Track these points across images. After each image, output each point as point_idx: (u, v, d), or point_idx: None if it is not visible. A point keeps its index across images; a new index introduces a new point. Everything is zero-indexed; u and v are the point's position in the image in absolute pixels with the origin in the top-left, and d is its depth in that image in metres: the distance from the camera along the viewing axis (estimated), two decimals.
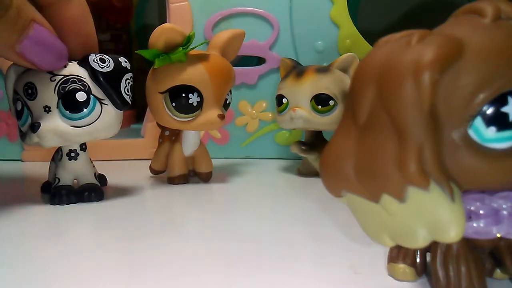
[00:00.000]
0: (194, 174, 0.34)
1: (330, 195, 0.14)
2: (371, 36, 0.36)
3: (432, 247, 0.15)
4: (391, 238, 0.13)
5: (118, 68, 0.27)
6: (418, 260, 0.17)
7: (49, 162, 0.30)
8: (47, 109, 0.25)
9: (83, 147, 0.28)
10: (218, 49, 0.31)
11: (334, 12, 0.40)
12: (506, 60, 0.12)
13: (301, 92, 0.33)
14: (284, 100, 0.34)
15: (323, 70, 0.33)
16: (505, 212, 0.12)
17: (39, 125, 0.25)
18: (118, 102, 0.26)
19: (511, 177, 0.12)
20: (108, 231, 0.23)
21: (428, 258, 0.16)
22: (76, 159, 0.28)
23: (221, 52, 0.31)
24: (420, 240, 0.12)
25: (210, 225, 0.24)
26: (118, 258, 0.19)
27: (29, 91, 0.25)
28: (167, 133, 0.34)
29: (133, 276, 0.17)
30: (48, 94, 0.25)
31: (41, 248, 0.21)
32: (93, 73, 0.26)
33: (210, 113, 0.30)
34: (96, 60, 0.26)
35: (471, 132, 0.12)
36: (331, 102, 0.32)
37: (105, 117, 0.26)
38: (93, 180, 0.29)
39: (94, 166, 0.29)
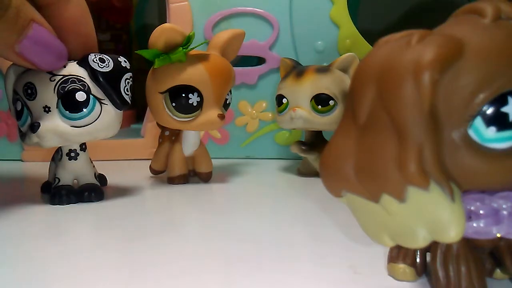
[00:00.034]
0: (194, 174, 0.34)
1: (330, 195, 0.14)
2: (371, 36, 0.36)
3: (432, 247, 0.15)
4: (391, 238, 0.13)
5: (118, 68, 0.27)
6: (418, 260, 0.17)
7: (49, 162, 0.30)
8: (47, 109, 0.25)
9: (83, 147, 0.28)
10: (218, 49, 0.31)
11: (334, 12, 0.40)
12: (506, 60, 0.12)
13: (301, 92, 0.33)
14: (284, 100, 0.34)
15: (323, 70, 0.33)
16: (505, 212, 0.12)
17: (39, 125, 0.25)
18: (118, 102, 0.26)
19: (511, 177, 0.12)
20: (108, 231, 0.23)
21: (428, 258, 0.16)
22: (76, 159, 0.28)
23: (221, 52, 0.31)
24: (420, 240, 0.12)
25: (210, 225, 0.24)
26: (118, 258, 0.19)
27: (29, 91, 0.25)
28: (167, 133, 0.34)
29: (133, 276, 0.17)
30: (48, 94, 0.25)
31: (41, 248, 0.21)
32: (93, 73, 0.26)
33: (210, 113, 0.30)
34: (96, 60, 0.26)
35: (471, 132, 0.12)
36: (331, 102, 0.32)
37: (105, 117, 0.26)
38: (93, 180, 0.29)
39: (94, 166, 0.29)
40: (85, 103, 0.26)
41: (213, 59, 0.30)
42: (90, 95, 0.26)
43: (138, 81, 0.30)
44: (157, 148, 0.34)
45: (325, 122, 0.33)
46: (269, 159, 0.43)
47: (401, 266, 0.16)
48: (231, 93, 0.32)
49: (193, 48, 0.30)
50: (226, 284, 0.17)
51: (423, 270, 0.17)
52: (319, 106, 0.32)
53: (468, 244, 0.15)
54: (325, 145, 0.14)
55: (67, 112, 0.25)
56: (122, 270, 0.18)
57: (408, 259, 0.17)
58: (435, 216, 0.12)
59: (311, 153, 0.35)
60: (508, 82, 0.12)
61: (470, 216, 0.12)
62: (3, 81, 0.28)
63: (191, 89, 0.30)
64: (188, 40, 0.29)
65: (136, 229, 0.23)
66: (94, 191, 0.28)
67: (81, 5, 0.27)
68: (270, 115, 0.42)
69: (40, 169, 0.38)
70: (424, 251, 0.17)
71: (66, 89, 0.25)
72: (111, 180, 0.32)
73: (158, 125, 0.34)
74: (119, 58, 0.27)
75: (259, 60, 0.43)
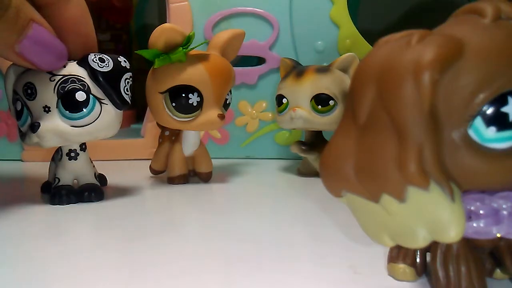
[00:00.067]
0: (194, 174, 0.34)
1: (330, 195, 0.14)
2: (371, 36, 0.36)
3: (432, 247, 0.15)
4: (391, 238, 0.13)
5: (118, 67, 0.27)
6: (418, 260, 0.17)
7: (49, 162, 0.30)
8: (47, 109, 0.25)
9: (83, 147, 0.28)
10: (218, 49, 0.31)
11: (334, 12, 0.40)
12: (506, 60, 0.12)
13: (301, 92, 0.33)
14: (284, 100, 0.34)
15: (323, 70, 0.33)
16: (505, 212, 0.12)
17: (39, 125, 0.25)
18: (118, 101, 0.26)
19: (511, 177, 0.12)
20: (108, 231, 0.23)
21: (428, 258, 0.16)
22: (76, 159, 0.28)
23: (221, 52, 0.31)
24: (420, 240, 0.12)
25: (210, 225, 0.24)
26: (118, 258, 0.19)
27: (29, 91, 0.25)
28: (167, 133, 0.34)
29: (133, 276, 0.17)
30: (48, 94, 0.25)
31: (41, 248, 0.21)
32: (93, 73, 0.26)
33: (210, 113, 0.30)
34: (96, 59, 0.26)
35: (471, 132, 0.12)
36: (331, 102, 0.32)
37: (105, 117, 0.26)
38: (93, 180, 0.29)
39: (94, 166, 0.29)
40: (85, 103, 0.26)
41: (213, 59, 0.30)
42: (90, 95, 0.26)
43: (138, 81, 0.30)
44: (157, 148, 0.34)
45: (325, 122, 0.33)
46: (269, 159, 0.43)
47: (401, 266, 0.16)
48: (231, 93, 0.32)
49: (193, 48, 0.30)
50: (226, 284, 0.17)
51: (423, 270, 0.17)
52: (319, 106, 0.32)
53: (468, 244, 0.15)
54: (325, 145, 0.14)
55: (67, 112, 0.25)
56: (122, 270, 0.18)
57: (408, 259, 0.17)
58: (435, 216, 0.12)
59: (311, 153, 0.35)
60: (508, 82, 0.12)
61: (470, 216, 0.12)
62: (3, 81, 0.28)
63: (191, 89, 0.30)
64: (188, 40, 0.29)
65: (136, 229, 0.23)
66: (94, 191, 0.28)
67: (81, 5, 0.27)
68: (270, 115, 0.42)
69: (40, 169, 0.38)
70: (424, 251, 0.17)
71: (66, 89, 0.25)
72: (111, 180, 0.32)
73: (158, 125, 0.34)
74: (119, 58, 0.27)
75: (259, 60, 0.43)
